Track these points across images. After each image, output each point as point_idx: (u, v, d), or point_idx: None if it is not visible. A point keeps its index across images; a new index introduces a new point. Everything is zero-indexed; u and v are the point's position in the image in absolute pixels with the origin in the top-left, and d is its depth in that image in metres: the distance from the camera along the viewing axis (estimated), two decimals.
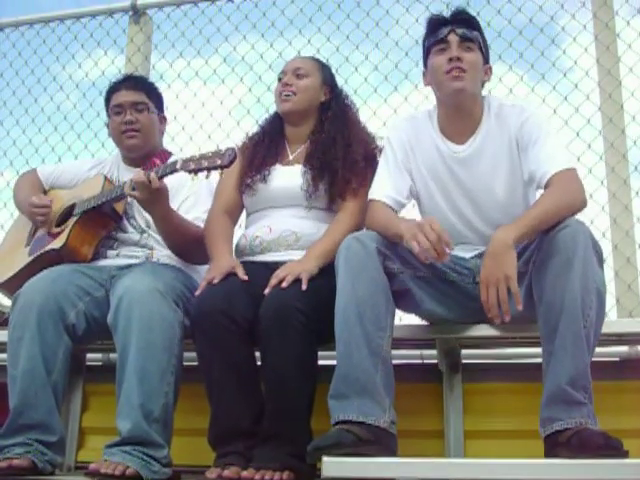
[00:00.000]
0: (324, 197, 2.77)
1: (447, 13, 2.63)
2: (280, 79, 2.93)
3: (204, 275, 2.67)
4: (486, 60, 2.65)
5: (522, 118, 2.53)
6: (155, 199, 2.70)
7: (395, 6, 3.93)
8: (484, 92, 2.69)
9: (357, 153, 2.78)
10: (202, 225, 2.88)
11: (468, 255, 2.58)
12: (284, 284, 2.42)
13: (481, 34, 2.62)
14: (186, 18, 4.27)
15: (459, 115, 2.60)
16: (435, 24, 2.62)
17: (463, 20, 2.59)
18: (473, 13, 2.67)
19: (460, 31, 2.55)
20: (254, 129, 3.05)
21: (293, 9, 4.07)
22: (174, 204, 2.86)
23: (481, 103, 2.63)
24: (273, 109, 3.06)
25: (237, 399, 2.44)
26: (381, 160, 2.70)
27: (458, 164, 2.60)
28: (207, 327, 2.44)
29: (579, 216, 2.34)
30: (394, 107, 3.75)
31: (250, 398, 2.45)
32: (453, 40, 2.55)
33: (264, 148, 2.90)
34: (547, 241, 2.23)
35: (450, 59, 2.53)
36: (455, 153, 2.60)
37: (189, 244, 2.84)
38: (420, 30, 2.73)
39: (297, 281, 2.42)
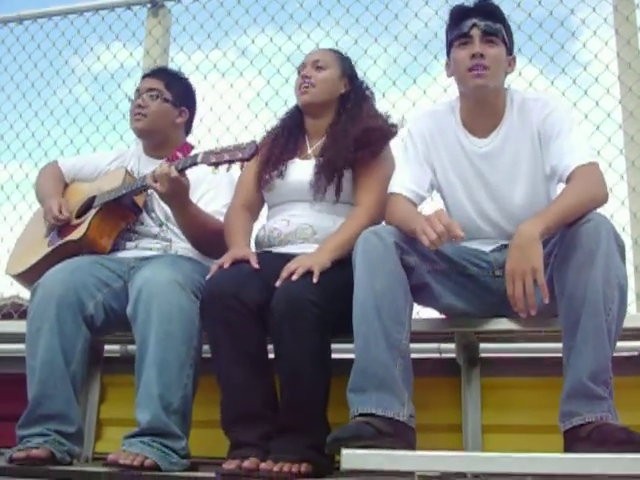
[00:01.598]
0: (341, 190, 2.76)
1: (470, 3, 2.59)
2: (300, 71, 2.93)
3: None
4: (510, 51, 2.61)
5: (546, 111, 2.51)
6: (175, 191, 2.69)
7: None
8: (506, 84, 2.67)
9: (369, 145, 2.76)
10: (222, 219, 2.88)
11: (488, 249, 2.57)
12: (294, 277, 2.41)
13: (505, 25, 2.58)
14: (204, 11, 4.26)
15: (482, 109, 2.59)
16: (458, 16, 2.58)
17: (486, 12, 2.55)
18: (495, 2, 2.63)
19: (483, 24, 2.51)
20: (273, 123, 3.05)
21: (311, 1, 4.07)
22: (194, 197, 2.86)
23: (504, 96, 2.61)
24: (291, 102, 3.06)
25: (247, 381, 2.43)
26: (401, 153, 2.69)
27: (480, 158, 2.58)
28: (215, 308, 2.45)
29: (600, 210, 2.33)
30: (413, 100, 3.74)
31: (258, 379, 2.45)
32: (476, 34, 2.52)
33: (282, 143, 2.89)
34: (569, 235, 2.22)
35: (473, 55, 2.50)
36: (478, 147, 2.59)
37: (208, 237, 2.84)
38: (439, 23, 2.72)
39: (309, 273, 2.42)
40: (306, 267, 2.42)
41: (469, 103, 2.61)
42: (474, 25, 2.52)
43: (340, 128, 2.81)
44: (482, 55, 2.49)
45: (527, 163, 2.55)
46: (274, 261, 2.57)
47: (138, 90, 3.14)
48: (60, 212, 3.00)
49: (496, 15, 2.57)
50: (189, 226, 2.83)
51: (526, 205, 2.54)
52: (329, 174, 2.74)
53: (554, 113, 2.50)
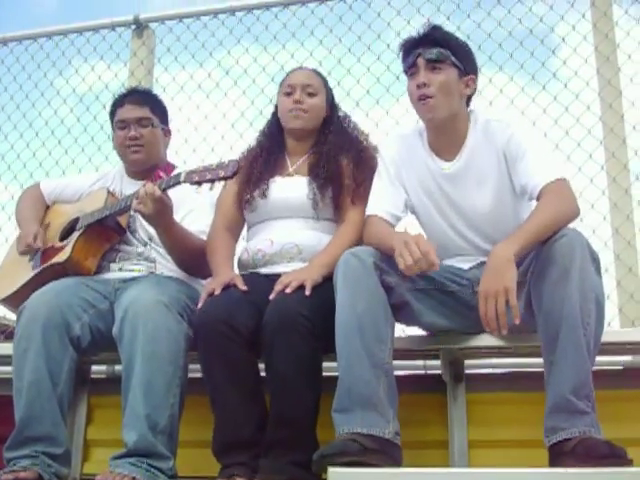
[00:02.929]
0: (329, 207, 2.78)
1: (417, 34, 2.62)
2: (288, 93, 2.91)
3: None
4: (466, 72, 2.62)
5: (508, 133, 2.54)
6: (159, 211, 2.70)
7: (386, 9, 3.98)
8: (478, 105, 2.71)
9: (359, 164, 2.81)
10: (205, 237, 2.89)
11: (467, 266, 2.60)
12: (288, 290, 2.43)
13: (454, 48, 2.59)
14: (189, 31, 4.30)
15: (443, 134, 2.62)
16: (405, 50, 2.63)
17: (431, 40, 2.58)
18: (441, 28, 2.65)
19: (427, 53, 2.55)
20: (252, 140, 3.06)
21: (295, 22, 4.10)
22: (177, 217, 2.86)
23: (466, 118, 2.64)
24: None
25: (240, 408, 2.44)
26: (375, 176, 2.72)
27: (446, 180, 2.62)
28: (209, 337, 2.45)
29: (581, 226, 2.35)
30: (396, 118, 3.77)
31: (253, 407, 2.46)
32: (421, 64, 2.56)
33: (261, 163, 2.90)
34: (544, 251, 2.24)
35: (418, 85, 2.55)
36: (443, 169, 2.62)
37: (193, 257, 2.84)
38: (411, 32, 2.74)
39: (301, 288, 2.44)
40: (300, 281, 2.44)
41: (430, 129, 2.65)
42: (418, 55, 2.57)
43: (328, 148, 2.84)
44: (425, 84, 2.53)
45: (493, 182, 2.57)
46: (262, 283, 2.59)
47: (124, 121, 3.09)
48: (34, 241, 3.00)
49: (442, 42, 2.59)
50: (173, 246, 2.83)
51: (493, 222, 2.57)
52: (328, 190, 2.77)
53: (516, 134, 2.53)
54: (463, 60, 2.61)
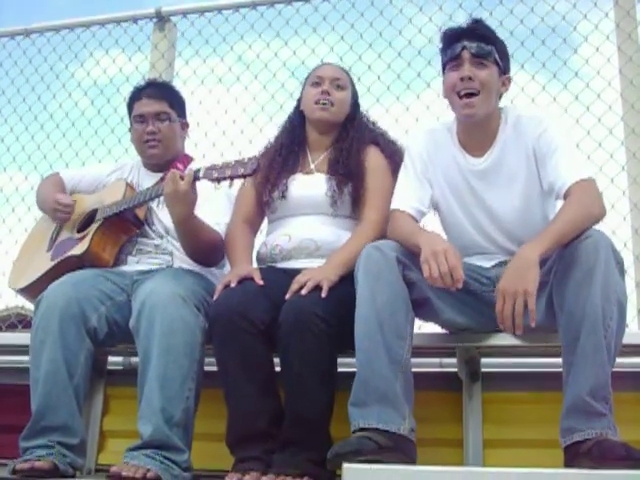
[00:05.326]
0: (348, 204, 2.78)
1: (461, 25, 2.60)
2: (317, 83, 2.92)
3: None
4: (504, 71, 2.62)
5: (540, 129, 2.52)
6: (182, 199, 2.66)
7: (408, 5, 3.97)
8: (507, 101, 2.69)
9: (380, 162, 2.81)
10: (219, 230, 2.89)
11: (489, 264, 2.59)
12: (304, 291, 2.43)
13: (497, 46, 2.59)
14: (210, 25, 4.30)
15: (475, 130, 2.61)
16: (449, 39, 2.60)
17: (477, 34, 2.56)
18: (486, 24, 2.64)
19: (473, 47, 2.53)
20: (270, 140, 3.05)
21: (316, 16, 4.09)
22: None
23: (498, 115, 2.62)
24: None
25: (254, 400, 2.45)
26: (401, 171, 2.71)
27: (476, 177, 2.60)
28: (224, 329, 2.46)
29: (601, 226, 2.34)
30: (415, 115, 3.76)
31: (267, 400, 2.47)
32: (466, 57, 2.53)
33: (280, 162, 2.90)
34: (568, 251, 2.23)
35: (462, 78, 2.52)
36: (473, 166, 2.61)
37: (206, 250, 2.85)
38: (433, 29, 2.74)
39: (318, 288, 2.43)
40: (316, 281, 2.44)
41: (462, 124, 2.64)
42: (464, 48, 2.54)
43: (350, 144, 2.84)
44: (471, 78, 2.51)
45: (522, 180, 2.56)
46: (279, 277, 2.60)
47: (142, 116, 3.09)
48: (65, 199, 3.06)
49: (487, 37, 2.58)
50: (187, 237, 2.81)
51: (520, 221, 2.56)
52: (347, 186, 2.78)
53: (548, 131, 2.52)
54: (502, 58, 2.61)
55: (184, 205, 2.69)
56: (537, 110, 2.76)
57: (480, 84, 2.52)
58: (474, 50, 2.53)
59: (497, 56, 2.57)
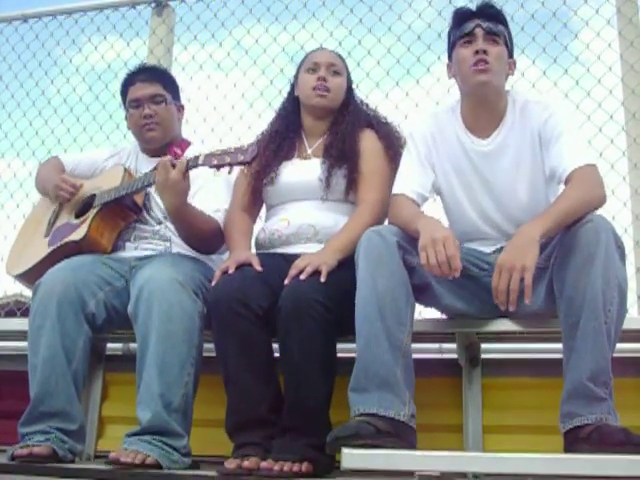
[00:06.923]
0: (342, 188, 2.77)
1: (473, 6, 2.62)
2: (313, 69, 2.91)
3: None
4: (510, 54, 2.64)
5: (546, 114, 2.52)
6: (173, 188, 2.65)
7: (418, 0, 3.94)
8: (507, 87, 2.68)
9: (376, 144, 2.81)
10: (218, 217, 2.88)
11: (489, 250, 2.58)
12: (303, 276, 2.42)
13: (506, 28, 2.62)
14: (208, 10, 4.27)
15: (483, 108, 2.59)
16: (461, 18, 2.61)
17: (489, 14, 2.58)
18: (497, 6, 2.66)
19: (486, 25, 2.55)
20: (269, 121, 3.05)
21: (316, 1, 4.07)
22: (189, 194, 2.87)
23: (505, 97, 2.62)
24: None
25: (253, 386, 2.44)
26: (404, 155, 2.70)
27: (481, 158, 2.59)
28: (222, 315, 2.45)
29: (600, 212, 2.33)
30: (416, 101, 3.74)
31: (267, 386, 2.46)
32: (479, 34, 2.55)
33: (273, 149, 2.89)
34: (569, 236, 2.22)
35: (476, 52, 2.52)
36: (478, 146, 2.60)
37: (202, 238, 2.84)
38: (443, 24, 2.73)
39: (316, 273, 2.42)
40: (315, 266, 2.43)
41: (471, 102, 2.62)
42: (477, 25, 2.56)
43: (345, 127, 2.83)
44: (485, 52, 2.52)
45: (528, 164, 2.55)
46: (277, 263, 2.59)
47: (138, 100, 3.08)
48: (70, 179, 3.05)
49: (499, 18, 2.61)
50: (183, 226, 2.80)
51: (527, 206, 2.55)
52: (341, 170, 2.77)
53: (554, 116, 2.52)
54: (510, 42, 2.64)
55: (175, 194, 2.67)
56: (543, 96, 2.75)
57: (493, 58, 2.53)
58: (487, 28, 2.55)
59: (507, 37, 2.60)
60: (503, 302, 2.22)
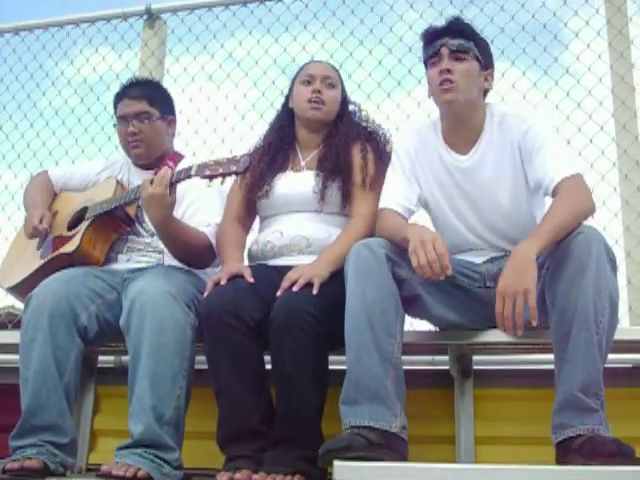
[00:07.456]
0: (337, 200, 2.78)
1: (441, 24, 2.63)
2: (308, 82, 2.91)
3: None
4: (486, 67, 2.64)
5: (524, 127, 2.53)
6: (157, 203, 2.65)
7: (399, 2, 3.97)
8: (491, 99, 2.70)
9: (369, 157, 2.81)
10: (206, 230, 2.87)
11: (479, 260, 2.59)
12: (295, 288, 2.42)
13: (477, 42, 2.61)
14: (200, 22, 4.29)
15: (459, 125, 2.61)
16: (429, 38, 2.63)
17: (455, 31, 2.59)
18: (465, 20, 2.67)
19: (452, 43, 2.56)
20: (258, 141, 3.04)
21: (307, 14, 4.09)
22: (181, 205, 2.87)
23: (483, 112, 2.63)
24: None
25: (245, 398, 2.43)
26: (389, 170, 2.71)
27: (461, 173, 2.61)
28: (214, 327, 2.45)
29: (592, 223, 2.34)
30: (407, 112, 3.75)
31: (258, 397, 2.45)
32: (444, 53, 2.56)
33: (267, 161, 2.90)
34: (561, 248, 2.22)
35: (440, 71, 2.54)
36: (458, 162, 2.61)
37: (190, 252, 2.83)
38: (424, 26, 2.75)
39: (309, 285, 2.42)
40: (307, 278, 2.43)
41: (446, 120, 2.64)
42: (443, 45, 2.57)
43: (339, 140, 2.84)
44: (449, 70, 2.53)
45: (509, 177, 2.56)
46: (270, 274, 2.59)
47: (124, 117, 3.07)
48: (40, 223, 3.00)
49: (466, 33, 2.60)
50: (168, 240, 2.79)
51: (508, 219, 2.57)
52: (335, 182, 2.77)
53: (533, 128, 2.53)
54: (483, 54, 2.63)
55: (160, 208, 2.67)
56: (522, 108, 2.76)
57: (459, 76, 2.54)
58: (453, 46, 2.56)
59: (477, 52, 2.59)
60: (510, 328, 2.21)
